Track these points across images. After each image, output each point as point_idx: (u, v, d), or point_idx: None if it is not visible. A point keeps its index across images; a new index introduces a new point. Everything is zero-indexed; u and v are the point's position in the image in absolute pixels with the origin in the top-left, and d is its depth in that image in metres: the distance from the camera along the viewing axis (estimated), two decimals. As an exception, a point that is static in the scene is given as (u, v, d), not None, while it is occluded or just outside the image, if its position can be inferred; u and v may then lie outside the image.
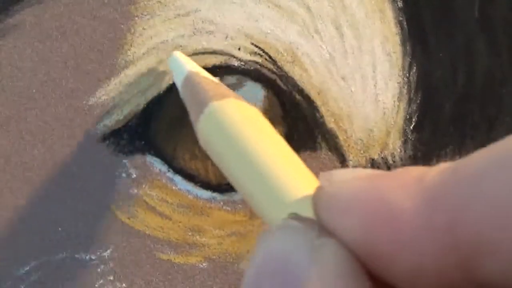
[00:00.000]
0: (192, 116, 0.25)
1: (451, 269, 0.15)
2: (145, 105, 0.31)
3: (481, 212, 0.15)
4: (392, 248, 0.15)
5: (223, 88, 0.25)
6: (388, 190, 0.16)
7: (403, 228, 0.15)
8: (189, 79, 0.27)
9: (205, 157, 0.31)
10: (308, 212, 0.18)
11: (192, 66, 0.28)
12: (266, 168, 0.20)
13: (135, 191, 0.31)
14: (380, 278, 0.16)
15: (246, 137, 0.22)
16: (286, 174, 0.20)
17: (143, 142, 0.31)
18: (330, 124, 0.30)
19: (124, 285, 0.31)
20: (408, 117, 0.30)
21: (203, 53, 0.30)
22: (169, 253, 0.31)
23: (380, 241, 0.16)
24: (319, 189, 0.17)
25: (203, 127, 0.24)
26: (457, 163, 0.16)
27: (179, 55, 0.29)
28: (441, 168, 0.16)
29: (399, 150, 0.31)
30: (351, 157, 0.31)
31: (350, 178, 0.17)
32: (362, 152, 0.31)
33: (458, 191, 0.15)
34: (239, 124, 0.23)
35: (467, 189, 0.15)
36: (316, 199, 0.17)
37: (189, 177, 0.31)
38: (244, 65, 0.30)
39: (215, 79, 0.27)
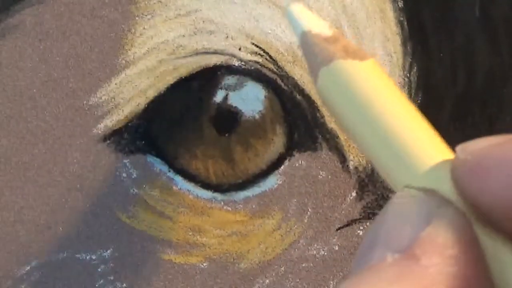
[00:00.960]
0: (311, 72, 0.24)
1: None
2: (146, 105, 0.31)
3: None
4: None
5: (346, 42, 0.24)
6: None
7: None
8: (306, 38, 0.25)
9: (206, 157, 0.31)
10: (439, 180, 0.18)
11: (308, 23, 0.26)
12: (398, 133, 0.20)
13: (136, 191, 0.31)
14: None
15: (376, 98, 0.21)
16: (418, 141, 0.20)
17: (143, 142, 0.31)
18: (331, 124, 0.31)
19: (124, 285, 0.31)
20: (408, 117, 0.30)
21: (204, 53, 0.30)
22: (170, 253, 0.31)
23: None
24: (458, 160, 0.17)
25: (325, 82, 0.23)
26: None
27: (295, 10, 0.26)
28: None
29: (399, 150, 0.31)
30: (351, 157, 0.31)
31: (486, 146, 0.17)
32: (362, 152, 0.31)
33: None
34: (368, 84, 0.22)
35: None
36: (457, 170, 0.17)
37: (189, 177, 0.31)
38: (244, 65, 0.30)
39: (337, 32, 0.25)
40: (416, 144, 0.20)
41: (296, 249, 0.31)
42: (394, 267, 0.15)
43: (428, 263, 0.15)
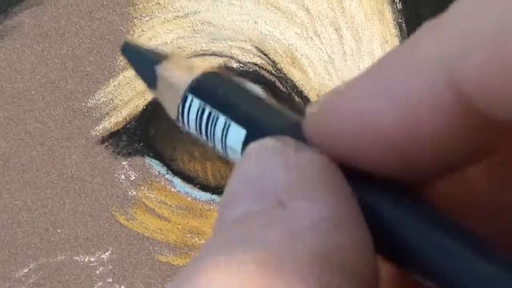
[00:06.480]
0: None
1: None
2: (144, 107, 0.31)
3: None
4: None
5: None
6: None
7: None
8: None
9: (204, 158, 0.31)
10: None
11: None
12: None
13: (134, 193, 0.31)
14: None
15: None
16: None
17: (142, 144, 0.31)
18: (329, 126, 0.30)
19: (123, 287, 0.31)
20: (407, 119, 0.30)
21: (203, 54, 0.30)
22: (168, 255, 0.31)
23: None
24: (306, 115, 0.17)
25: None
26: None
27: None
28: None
29: (398, 152, 0.31)
30: (350, 159, 0.31)
31: (330, 97, 0.16)
32: (361, 154, 0.31)
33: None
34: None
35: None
36: (306, 125, 0.17)
37: (188, 179, 0.31)
38: (243, 67, 0.30)
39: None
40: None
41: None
42: (260, 218, 0.15)
43: (294, 209, 0.15)
